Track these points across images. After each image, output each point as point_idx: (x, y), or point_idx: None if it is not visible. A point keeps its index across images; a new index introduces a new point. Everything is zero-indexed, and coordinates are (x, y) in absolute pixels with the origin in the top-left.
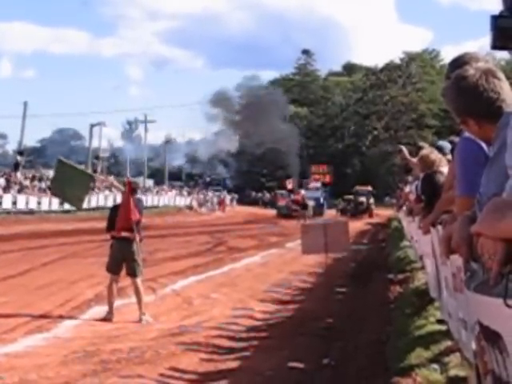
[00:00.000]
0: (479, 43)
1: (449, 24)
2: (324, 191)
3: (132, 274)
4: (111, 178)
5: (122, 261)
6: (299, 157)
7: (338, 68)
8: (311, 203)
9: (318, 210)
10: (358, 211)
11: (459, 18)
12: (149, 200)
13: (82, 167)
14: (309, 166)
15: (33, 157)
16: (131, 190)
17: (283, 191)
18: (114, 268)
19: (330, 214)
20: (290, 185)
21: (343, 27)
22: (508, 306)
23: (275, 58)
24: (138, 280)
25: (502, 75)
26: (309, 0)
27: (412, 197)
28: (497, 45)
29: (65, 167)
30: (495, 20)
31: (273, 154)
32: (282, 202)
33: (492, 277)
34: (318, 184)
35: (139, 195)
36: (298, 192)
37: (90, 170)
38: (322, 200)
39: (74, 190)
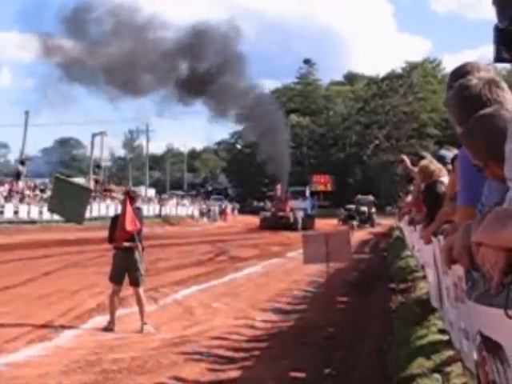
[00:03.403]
0: (478, 52)
1: (447, 33)
2: (312, 200)
3: (135, 283)
4: (113, 188)
5: (125, 270)
6: (299, 164)
7: (338, 77)
8: (300, 214)
9: (309, 222)
10: (360, 221)
11: (457, 27)
12: (150, 209)
13: (79, 182)
14: (310, 176)
15: (34, 166)
16: (130, 199)
17: None
18: (116, 278)
19: (328, 224)
20: (279, 191)
21: (342, 36)
22: (509, 316)
23: (275, 68)
24: (141, 290)
25: (504, 85)
26: (308, 10)
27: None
28: (500, 57)
29: (62, 184)
30: (499, 33)
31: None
32: (266, 212)
33: (493, 287)
34: (307, 192)
35: (140, 204)
36: (285, 201)
37: (91, 180)
38: (309, 210)
39: (74, 206)
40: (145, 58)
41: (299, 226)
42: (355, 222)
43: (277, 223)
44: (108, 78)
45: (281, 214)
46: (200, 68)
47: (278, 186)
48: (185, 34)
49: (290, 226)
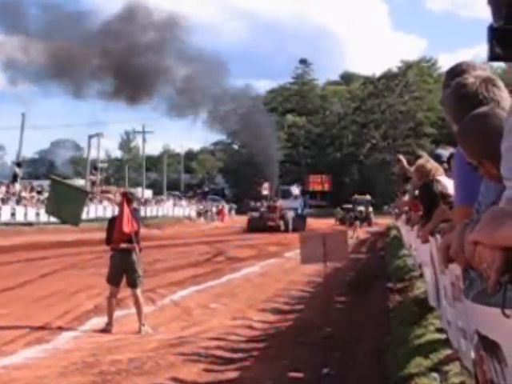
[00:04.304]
0: (473, 51)
1: (442, 32)
2: (304, 200)
3: (132, 284)
4: (110, 189)
5: (123, 272)
6: (296, 164)
7: (334, 77)
8: (291, 214)
9: (300, 223)
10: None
11: (452, 26)
12: (148, 210)
13: (75, 184)
14: (307, 175)
15: (31, 168)
16: (127, 200)
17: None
18: (114, 279)
19: (326, 223)
20: (265, 190)
21: (338, 36)
22: (506, 315)
23: (270, 68)
24: (138, 291)
25: (501, 83)
26: (303, 9)
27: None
28: (494, 56)
29: (58, 186)
30: (492, 31)
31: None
32: (254, 213)
33: (490, 286)
34: (297, 191)
35: (137, 206)
36: (275, 201)
37: (88, 181)
38: (300, 210)
39: (70, 208)
40: (81, 53)
41: (290, 227)
42: (357, 222)
43: (265, 225)
44: (55, 78)
45: (269, 215)
46: (139, 59)
47: (266, 185)
48: (114, 19)
49: (279, 229)
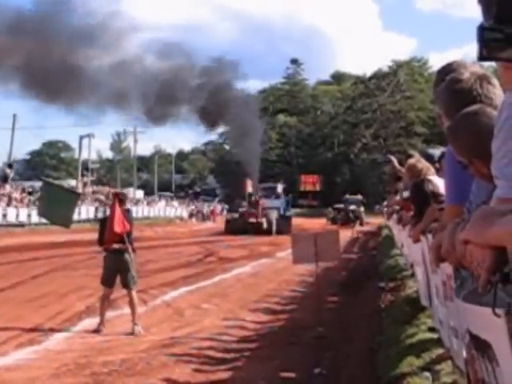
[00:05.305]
0: (463, 50)
1: (432, 31)
2: (286, 199)
3: (126, 285)
4: (99, 190)
5: (116, 272)
6: (287, 164)
7: (325, 77)
8: (274, 215)
9: (284, 224)
10: (349, 220)
11: (442, 26)
12: (139, 211)
13: (66, 185)
14: (298, 175)
15: (22, 169)
16: (119, 201)
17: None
18: (108, 281)
19: (318, 223)
20: (249, 187)
21: (328, 36)
22: (497, 315)
23: (261, 68)
24: (133, 291)
25: (496, 81)
26: (294, 10)
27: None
28: (484, 56)
29: (50, 188)
30: (482, 31)
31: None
32: (233, 213)
33: (481, 285)
34: (279, 189)
35: (129, 206)
36: (257, 200)
37: (80, 182)
38: (283, 210)
39: (61, 210)
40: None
41: (273, 228)
42: (358, 221)
43: (245, 224)
44: None
45: (251, 216)
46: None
47: (248, 182)
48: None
49: (262, 230)
